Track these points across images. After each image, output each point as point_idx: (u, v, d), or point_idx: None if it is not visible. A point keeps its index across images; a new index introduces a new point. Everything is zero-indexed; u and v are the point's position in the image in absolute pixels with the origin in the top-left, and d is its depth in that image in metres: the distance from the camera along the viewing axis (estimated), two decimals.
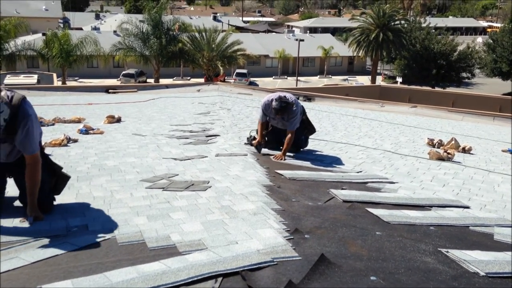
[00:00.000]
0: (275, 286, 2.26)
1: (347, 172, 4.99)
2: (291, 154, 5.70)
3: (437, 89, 35.60)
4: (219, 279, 2.32)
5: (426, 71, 40.45)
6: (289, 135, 5.59)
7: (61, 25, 53.63)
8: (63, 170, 3.57)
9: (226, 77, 38.98)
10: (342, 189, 4.18)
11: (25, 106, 3.05)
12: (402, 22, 42.49)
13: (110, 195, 3.71)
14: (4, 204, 3.33)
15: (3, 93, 2.92)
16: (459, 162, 6.16)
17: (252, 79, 41.51)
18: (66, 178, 3.53)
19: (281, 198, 3.73)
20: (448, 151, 6.51)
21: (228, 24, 59.01)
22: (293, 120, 5.64)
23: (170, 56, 32.82)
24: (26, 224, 2.98)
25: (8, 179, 3.42)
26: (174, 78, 40.12)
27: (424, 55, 40.44)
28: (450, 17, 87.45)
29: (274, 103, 5.52)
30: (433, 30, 42.93)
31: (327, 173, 4.87)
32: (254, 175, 4.43)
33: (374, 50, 40.91)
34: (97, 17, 63.65)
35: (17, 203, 3.37)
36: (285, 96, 5.62)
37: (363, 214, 3.48)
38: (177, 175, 4.42)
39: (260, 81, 42.33)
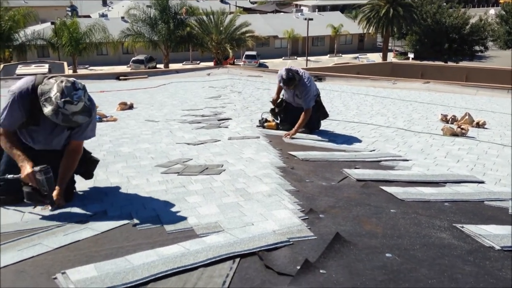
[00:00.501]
0: (291, 265, 2.30)
1: (360, 151, 5.00)
2: (303, 136, 5.71)
3: (449, 63, 35.10)
4: (237, 259, 2.36)
5: (438, 45, 39.90)
6: (304, 113, 5.68)
7: (69, 13, 53.77)
8: (92, 155, 3.63)
9: (235, 60, 38.87)
10: (356, 168, 4.19)
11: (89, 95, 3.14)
12: None
13: (127, 181, 3.77)
14: None
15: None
16: (473, 137, 6.13)
17: (261, 60, 41.33)
18: (96, 162, 3.59)
19: (295, 179, 3.76)
20: (462, 126, 6.47)
21: (236, 6, 58.56)
22: (307, 98, 5.70)
23: (178, 41, 32.83)
24: (46, 212, 3.05)
25: None
26: (184, 63, 40.12)
27: (435, 29, 39.86)
28: None
29: (283, 72, 5.69)
30: (444, 4, 42.19)
31: (340, 152, 4.88)
32: (267, 157, 4.46)
33: (385, 27, 40.42)
34: (104, 3, 63.59)
35: None
36: (296, 70, 5.76)
37: (377, 193, 3.50)
38: (191, 159, 4.47)
39: (269, 62, 42.13)
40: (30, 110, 3.02)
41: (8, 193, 3.15)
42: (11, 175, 3.03)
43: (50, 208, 3.04)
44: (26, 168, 2.93)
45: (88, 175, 3.53)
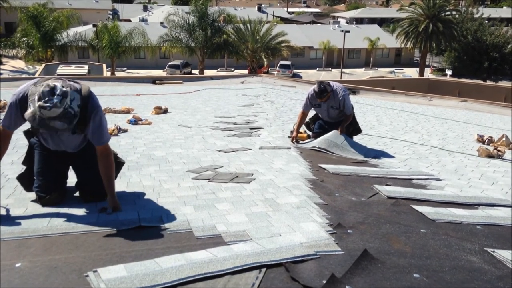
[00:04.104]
0: (317, 279, 2.30)
1: (392, 168, 4.95)
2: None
3: (489, 82, 34.25)
4: (263, 269, 2.38)
5: (478, 64, 38.98)
6: (347, 117, 5.85)
7: (111, 16, 55.27)
8: (118, 156, 3.72)
9: (269, 69, 39.00)
10: (387, 185, 4.15)
11: (94, 98, 3.14)
12: (453, 12, 41.07)
13: (159, 184, 3.85)
14: (68, 193, 3.45)
15: (71, 83, 2.99)
16: (510, 160, 5.97)
17: (295, 71, 41.31)
18: (121, 164, 3.67)
19: (324, 193, 3.76)
20: (499, 148, 6.32)
21: (273, 15, 58.89)
22: (347, 104, 5.78)
23: (214, 48, 33.22)
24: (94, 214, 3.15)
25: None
26: (218, 69, 40.52)
27: (476, 47, 38.98)
28: (505, 7, 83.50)
29: (315, 86, 5.81)
30: (486, 21, 41.26)
31: (371, 168, 4.84)
32: (298, 168, 4.48)
33: (423, 42, 39.76)
34: (145, 8, 65.01)
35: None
36: (327, 82, 5.85)
37: (407, 211, 3.46)
38: (222, 166, 4.53)
39: (304, 73, 42.07)
40: None
41: (49, 191, 3.25)
42: None
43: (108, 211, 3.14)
44: None
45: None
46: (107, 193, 3.22)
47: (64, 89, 2.85)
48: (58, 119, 2.82)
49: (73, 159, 3.42)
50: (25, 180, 3.41)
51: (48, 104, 2.77)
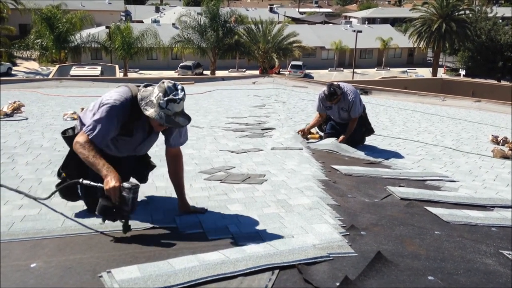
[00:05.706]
0: (331, 281, 2.29)
1: (405, 169, 4.91)
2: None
3: (503, 82, 33.86)
4: (276, 271, 2.37)
5: (492, 63, 38.60)
6: (352, 121, 5.81)
7: (123, 18, 55.66)
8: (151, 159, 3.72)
9: (281, 69, 38.95)
10: (400, 186, 4.12)
11: None
12: (467, 12, 40.69)
13: (171, 185, 3.84)
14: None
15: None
16: None
17: (307, 71, 41.21)
18: (153, 167, 3.67)
19: (336, 194, 3.74)
20: None
21: (284, 16, 58.82)
22: (355, 107, 5.76)
23: (226, 48, 33.31)
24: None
25: None
26: (230, 70, 40.59)
27: (490, 46, 38.59)
28: None
29: (325, 88, 5.80)
30: (500, 21, 40.82)
31: (384, 169, 4.81)
32: (310, 169, 4.46)
33: (436, 42, 39.47)
34: (157, 10, 65.41)
35: None
36: (338, 85, 5.83)
37: (421, 213, 3.43)
38: (234, 167, 4.53)
39: (315, 73, 41.97)
40: (126, 122, 2.92)
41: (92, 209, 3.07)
42: (87, 181, 2.80)
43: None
44: (112, 181, 2.65)
45: (145, 179, 3.58)
46: (178, 199, 3.22)
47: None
48: (181, 115, 2.88)
49: (126, 164, 3.26)
50: (67, 191, 3.15)
51: (177, 97, 2.81)
